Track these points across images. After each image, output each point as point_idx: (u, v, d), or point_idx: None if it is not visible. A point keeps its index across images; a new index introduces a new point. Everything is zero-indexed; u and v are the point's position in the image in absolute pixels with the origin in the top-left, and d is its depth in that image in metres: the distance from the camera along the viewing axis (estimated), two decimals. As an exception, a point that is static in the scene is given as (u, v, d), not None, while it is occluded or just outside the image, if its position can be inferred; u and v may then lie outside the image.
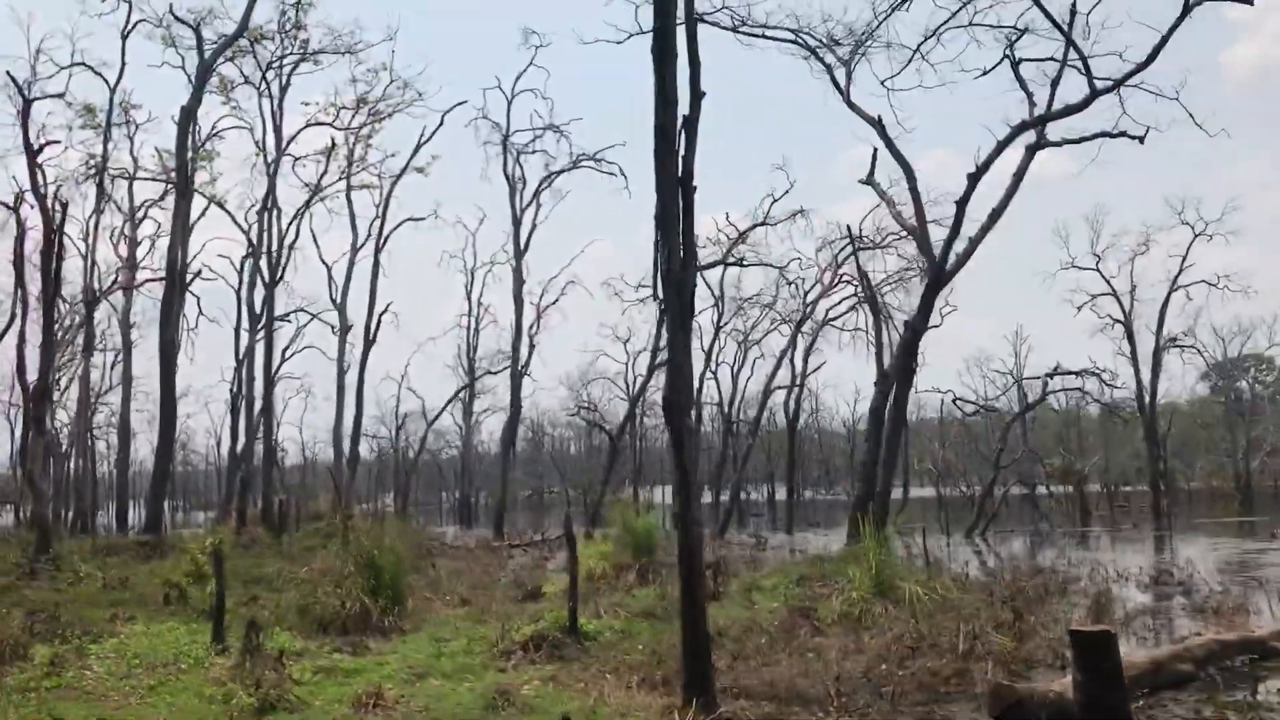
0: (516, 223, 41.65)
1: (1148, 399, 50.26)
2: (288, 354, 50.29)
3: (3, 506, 51.67)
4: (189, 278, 44.43)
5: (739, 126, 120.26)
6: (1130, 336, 50.38)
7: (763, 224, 38.70)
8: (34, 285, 30.77)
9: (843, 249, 40.84)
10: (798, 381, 42.33)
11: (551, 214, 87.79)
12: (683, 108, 9.53)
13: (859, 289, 26.32)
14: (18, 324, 32.66)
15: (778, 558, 25.07)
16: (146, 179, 41.03)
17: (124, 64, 33.72)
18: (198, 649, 12.83)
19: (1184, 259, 48.74)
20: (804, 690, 9.80)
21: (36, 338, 43.53)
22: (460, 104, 42.68)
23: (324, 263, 43.21)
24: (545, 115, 44.38)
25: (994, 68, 20.39)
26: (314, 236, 51.62)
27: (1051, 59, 20.23)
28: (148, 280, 44.49)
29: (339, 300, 42.47)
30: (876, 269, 54.67)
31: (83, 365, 42.68)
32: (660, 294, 9.44)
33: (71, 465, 49.35)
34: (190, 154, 31.67)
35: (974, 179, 19.17)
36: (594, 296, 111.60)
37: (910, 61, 19.86)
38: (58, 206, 24.84)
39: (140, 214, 44.71)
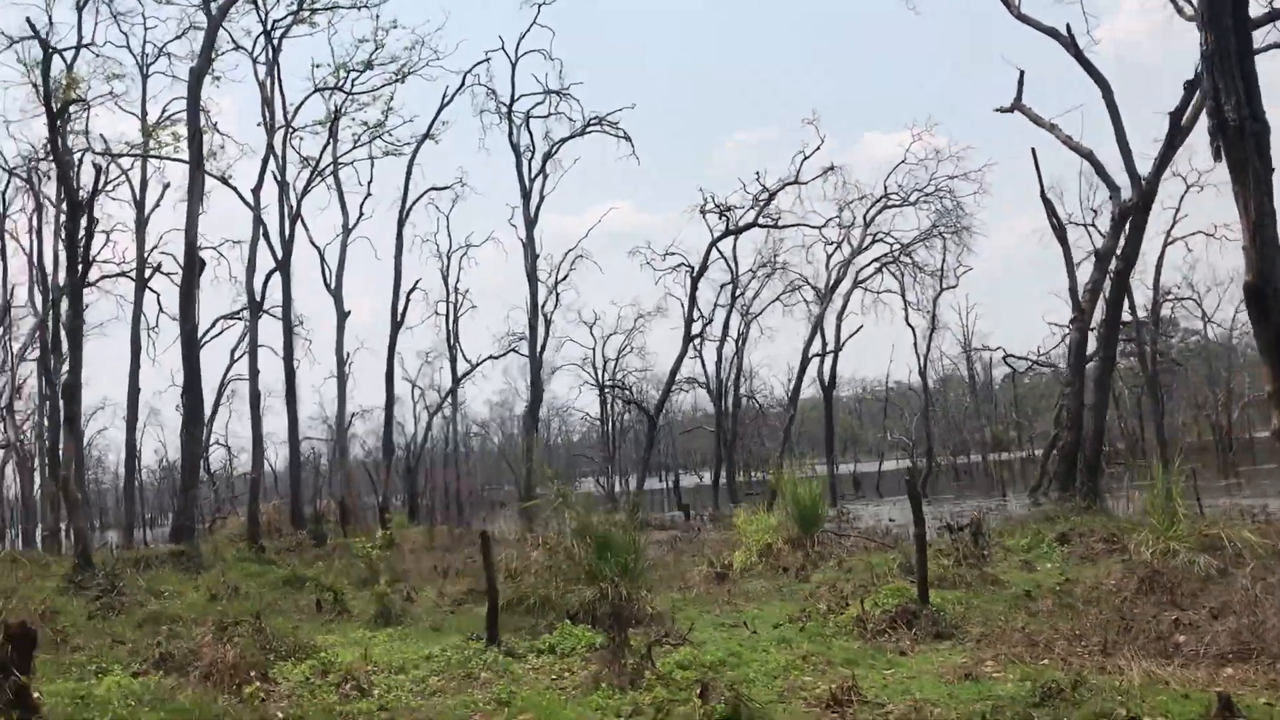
0: (526, 195, 39.10)
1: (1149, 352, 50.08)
2: (237, 355, 46.59)
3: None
4: (147, 273, 41.05)
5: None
6: (1129, 292, 49.89)
7: (794, 183, 36.91)
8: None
9: (870, 208, 39.58)
10: (830, 348, 40.63)
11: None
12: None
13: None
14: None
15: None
16: (128, 154, 36.65)
17: (80, 38, 30.03)
18: (473, 654, 10.46)
19: (1177, 211, 48.30)
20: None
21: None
22: (482, 62, 39.61)
23: (315, 245, 39.82)
24: (553, 78, 41.37)
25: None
26: (302, 220, 47.58)
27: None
28: (118, 274, 40.57)
29: (334, 285, 39.18)
30: (902, 227, 53.36)
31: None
32: (1222, 153, 7.46)
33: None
34: (201, 124, 28.27)
35: (1191, 86, 17.38)
36: (604, 271, 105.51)
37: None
38: (90, 172, 21.63)
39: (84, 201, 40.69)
